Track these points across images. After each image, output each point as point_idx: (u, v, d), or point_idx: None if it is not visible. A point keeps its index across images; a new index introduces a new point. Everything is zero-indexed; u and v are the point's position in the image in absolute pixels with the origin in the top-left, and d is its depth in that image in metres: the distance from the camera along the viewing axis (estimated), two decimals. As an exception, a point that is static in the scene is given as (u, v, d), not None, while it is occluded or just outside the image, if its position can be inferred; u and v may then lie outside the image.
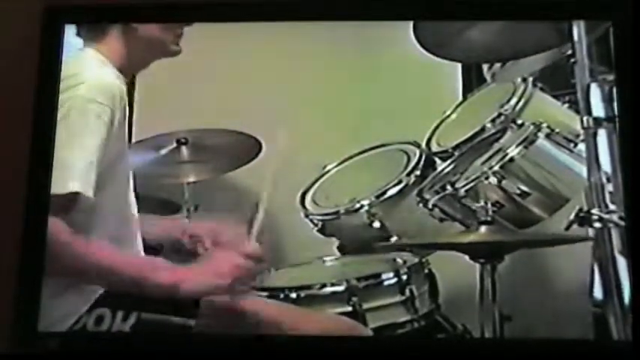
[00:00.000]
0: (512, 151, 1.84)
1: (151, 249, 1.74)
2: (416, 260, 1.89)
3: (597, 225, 1.70)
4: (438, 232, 1.94)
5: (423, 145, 2.10)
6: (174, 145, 2.07)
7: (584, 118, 1.76)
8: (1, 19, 1.81)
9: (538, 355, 1.60)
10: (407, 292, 1.82)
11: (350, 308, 1.79)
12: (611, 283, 1.66)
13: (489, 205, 1.80)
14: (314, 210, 2.08)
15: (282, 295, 1.81)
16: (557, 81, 1.98)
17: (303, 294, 1.82)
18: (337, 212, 2.03)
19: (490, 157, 1.90)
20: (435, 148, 2.09)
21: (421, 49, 1.95)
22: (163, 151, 2.07)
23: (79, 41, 1.74)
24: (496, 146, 1.93)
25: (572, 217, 1.74)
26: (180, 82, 2.06)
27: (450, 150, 2.06)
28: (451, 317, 1.86)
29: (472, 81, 2.19)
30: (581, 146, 1.79)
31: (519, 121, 1.94)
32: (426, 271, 1.89)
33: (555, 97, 1.99)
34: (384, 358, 1.64)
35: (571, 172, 1.84)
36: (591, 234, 1.72)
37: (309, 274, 1.96)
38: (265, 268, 1.87)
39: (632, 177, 1.64)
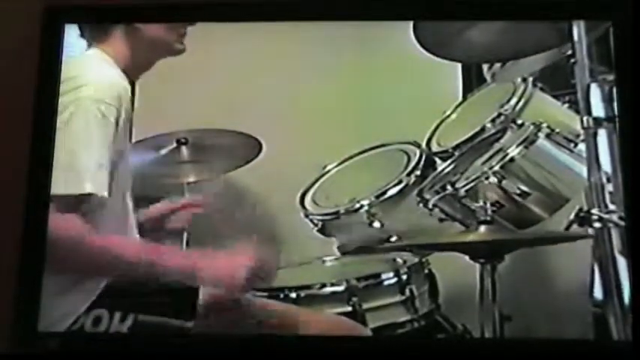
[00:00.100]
0: (513, 151, 1.84)
1: None
2: (416, 260, 1.89)
3: (597, 225, 1.70)
4: (438, 232, 1.93)
5: (423, 145, 2.10)
6: (174, 145, 2.07)
7: (584, 118, 1.76)
8: (1, 19, 1.81)
9: (538, 355, 1.60)
10: (407, 292, 1.82)
11: (350, 308, 1.79)
12: (611, 283, 1.66)
13: (489, 205, 1.80)
14: (314, 210, 2.08)
15: (282, 295, 1.81)
16: (557, 81, 1.98)
17: (303, 294, 1.81)
18: (337, 212, 2.03)
19: (490, 157, 1.90)
20: (435, 148, 2.09)
21: (421, 49, 1.94)
22: (163, 151, 2.07)
23: (83, 43, 1.74)
24: (496, 146, 1.93)
25: (572, 217, 1.74)
26: (180, 82, 2.06)
27: (450, 150, 2.05)
28: (451, 317, 1.86)
29: (472, 81, 2.18)
30: (581, 146, 1.79)
31: (519, 121, 1.94)
32: (426, 271, 1.89)
33: (555, 97, 1.99)
34: (384, 358, 1.64)
35: (571, 172, 1.84)
36: (591, 234, 1.72)
37: (309, 274, 1.96)
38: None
39: (632, 177, 1.64)
